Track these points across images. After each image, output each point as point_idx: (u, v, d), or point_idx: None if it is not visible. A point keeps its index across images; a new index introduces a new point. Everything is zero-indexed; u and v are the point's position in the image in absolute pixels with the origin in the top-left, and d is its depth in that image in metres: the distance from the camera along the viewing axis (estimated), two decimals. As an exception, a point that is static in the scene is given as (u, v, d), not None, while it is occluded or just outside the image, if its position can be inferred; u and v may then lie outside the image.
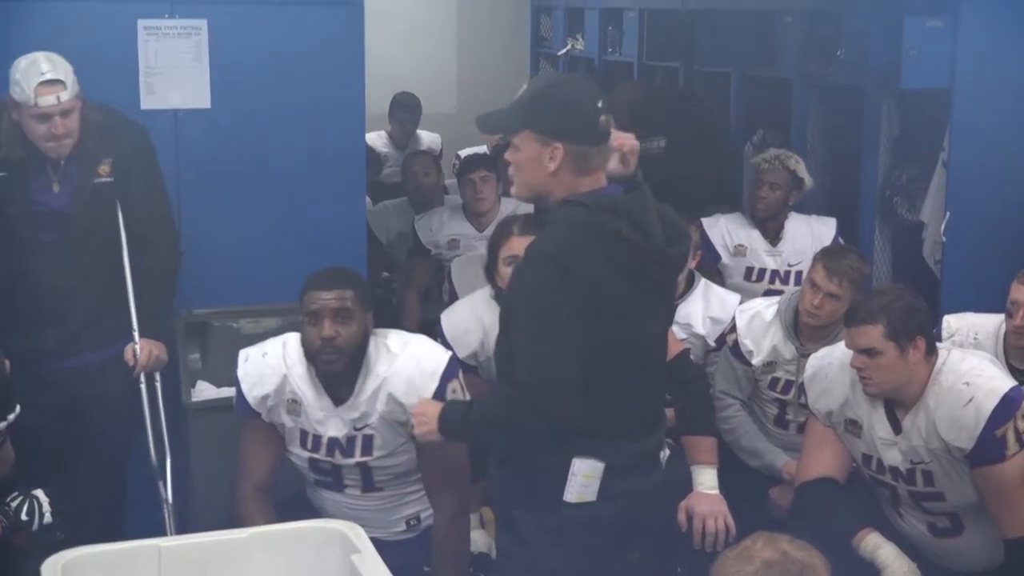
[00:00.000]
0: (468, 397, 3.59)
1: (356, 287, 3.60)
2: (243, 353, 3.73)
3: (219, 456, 3.95)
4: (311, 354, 3.57)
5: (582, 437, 2.99)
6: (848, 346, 3.62)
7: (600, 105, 2.98)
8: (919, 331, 3.58)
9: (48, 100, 3.80)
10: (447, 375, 3.60)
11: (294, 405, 3.63)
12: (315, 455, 3.67)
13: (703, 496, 3.72)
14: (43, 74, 3.79)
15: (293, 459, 3.74)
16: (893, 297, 3.58)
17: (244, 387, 3.66)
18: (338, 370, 3.55)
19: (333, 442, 3.64)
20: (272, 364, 3.65)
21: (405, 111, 7.84)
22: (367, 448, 3.64)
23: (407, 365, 3.59)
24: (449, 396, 3.55)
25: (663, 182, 5.69)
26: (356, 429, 3.62)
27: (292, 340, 3.68)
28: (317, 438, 3.64)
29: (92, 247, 4.04)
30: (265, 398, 3.64)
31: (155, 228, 4.13)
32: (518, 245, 3.82)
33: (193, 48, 4.45)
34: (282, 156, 4.61)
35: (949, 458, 3.58)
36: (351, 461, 3.66)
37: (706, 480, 3.75)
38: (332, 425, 3.62)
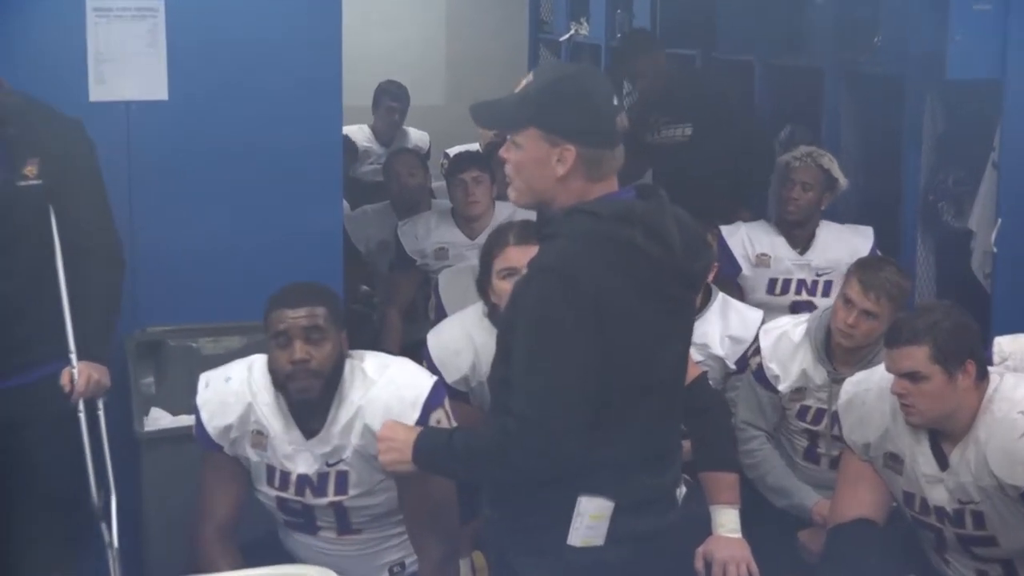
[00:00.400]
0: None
1: (327, 303, 3.59)
2: (203, 378, 3.72)
3: (176, 493, 3.94)
4: (281, 380, 3.56)
5: (589, 472, 2.97)
6: (889, 369, 3.62)
7: (616, 103, 2.98)
8: (969, 354, 3.58)
9: None
10: (430, 404, 3.58)
11: (259, 438, 3.62)
12: (283, 494, 3.66)
13: (723, 540, 3.70)
14: None
15: (260, 497, 3.73)
16: (940, 315, 3.59)
17: (204, 416, 3.66)
18: (312, 397, 3.54)
19: (303, 480, 3.63)
20: (236, 391, 3.65)
21: (392, 100, 7.84)
22: (341, 486, 3.63)
23: (385, 392, 3.58)
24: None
25: (688, 179, 5.74)
26: (328, 465, 3.61)
27: (258, 364, 3.68)
28: (285, 475, 3.64)
29: (20, 258, 3.99)
30: (228, 429, 3.63)
31: (94, 236, 4.07)
32: (514, 256, 3.81)
33: (148, 32, 4.45)
34: (248, 154, 4.61)
35: (1002, 497, 3.58)
36: (324, 501, 3.65)
37: (727, 522, 3.73)
38: (302, 461, 3.62)
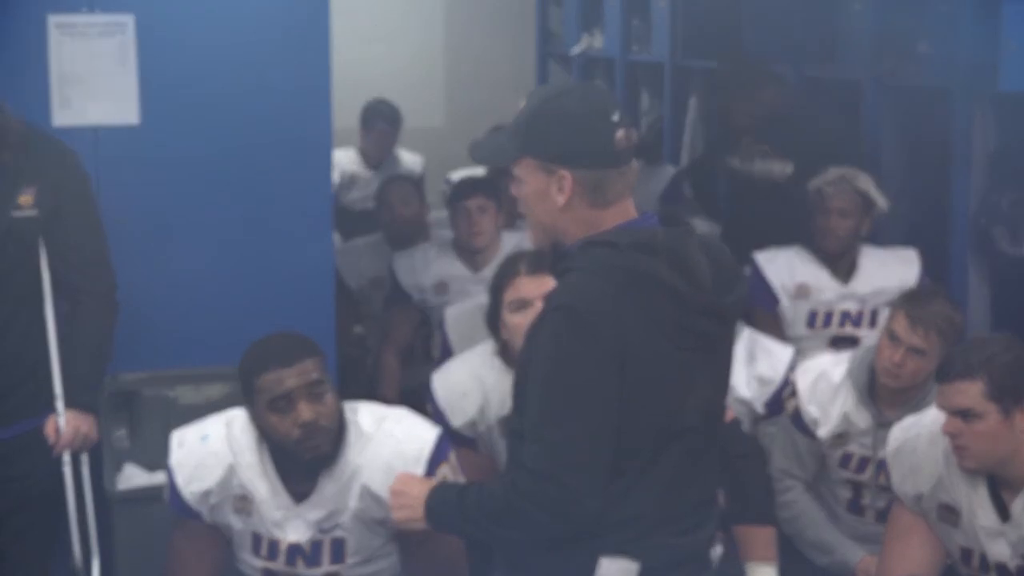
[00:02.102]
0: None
1: (315, 351, 3.57)
2: (176, 437, 3.70)
3: (152, 556, 3.93)
4: (289, 447, 3.52)
5: (610, 531, 2.96)
6: (940, 406, 3.62)
7: (615, 118, 2.96)
8: None
9: None
10: (436, 458, 3.59)
11: (244, 502, 3.61)
12: (271, 564, 3.65)
13: None
14: None
15: (244, 568, 3.71)
16: (997, 349, 3.58)
17: (179, 480, 3.63)
18: (325, 453, 3.52)
19: (294, 549, 3.62)
20: (215, 451, 3.63)
21: (387, 123, 7.85)
22: (337, 555, 3.62)
23: (384, 449, 3.58)
24: None
25: (778, 226, 5.67)
26: (323, 532, 3.61)
27: (238, 420, 3.66)
28: (274, 544, 3.62)
29: (6, 294, 4.05)
30: (207, 494, 3.62)
31: (89, 276, 4.15)
32: (526, 287, 3.81)
33: (117, 50, 4.47)
34: (229, 184, 4.63)
35: (1069, 551, 3.57)
36: (318, 572, 3.64)
37: None
38: (292, 528, 3.61)
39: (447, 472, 3.58)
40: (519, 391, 3.02)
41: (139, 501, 4.12)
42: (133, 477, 4.28)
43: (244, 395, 3.57)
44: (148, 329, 4.47)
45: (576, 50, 9.48)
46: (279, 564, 3.63)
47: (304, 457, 3.53)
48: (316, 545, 3.61)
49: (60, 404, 4.06)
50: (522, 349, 3.08)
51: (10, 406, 4.09)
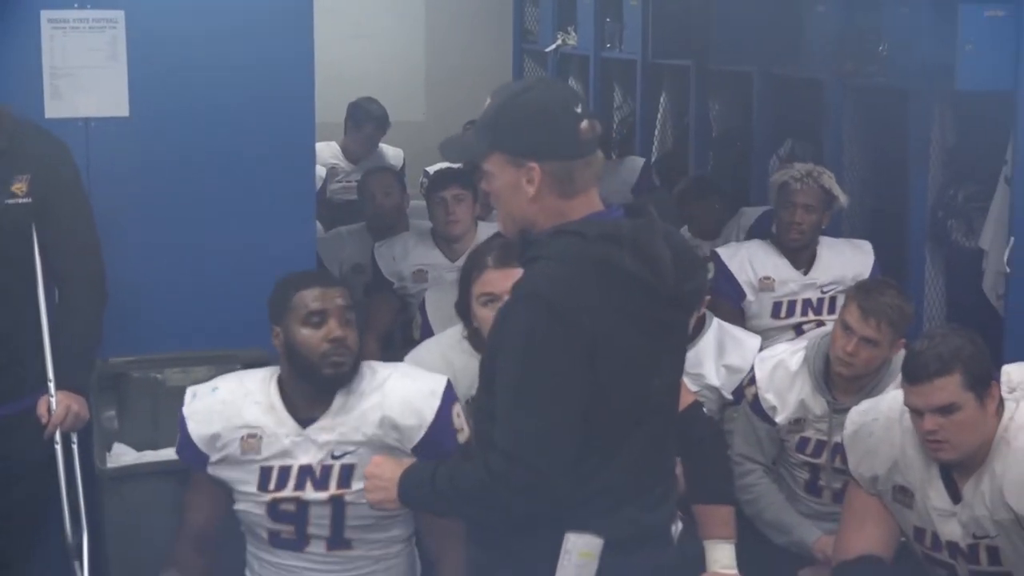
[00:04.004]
0: (467, 428, 3.62)
1: (349, 289, 3.69)
2: (190, 391, 3.76)
3: (139, 532, 3.95)
4: (314, 360, 3.57)
5: (576, 507, 2.98)
6: (919, 407, 3.59)
7: (579, 110, 2.98)
8: (992, 376, 3.61)
9: None
10: (449, 397, 3.66)
11: (252, 441, 3.64)
12: (279, 494, 3.65)
13: None
14: None
15: (247, 508, 3.71)
16: (960, 339, 3.59)
17: (190, 426, 3.67)
18: (345, 373, 3.59)
19: (305, 472, 3.64)
20: (223, 399, 3.68)
21: (374, 125, 7.79)
22: (345, 480, 3.64)
23: (403, 384, 3.66)
24: (454, 420, 3.63)
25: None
26: (334, 457, 3.63)
27: (248, 374, 3.75)
28: (284, 471, 3.64)
29: (0, 280, 4.05)
30: (215, 438, 3.65)
31: (79, 262, 4.15)
32: (494, 280, 3.83)
33: (108, 44, 4.46)
34: (216, 175, 4.62)
35: (1019, 531, 3.59)
36: (323, 495, 3.64)
37: (722, 557, 3.73)
38: (303, 451, 3.63)
39: (460, 411, 3.67)
40: (486, 373, 3.03)
41: (128, 479, 4.11)
42: (122, 456, 4.27)
43: (273, 318, 3.63)
44: (137, 314, 4.46)
45: (551, 47, 9.49)
46: (287, 491, 3.65)
47: (325, 372, 3.58)
48: (326, 469, 3.63)
49: (52, 385, 4.07)
50: (490, 333, 3.10)
51: (3, 386, 4.09)
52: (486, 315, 3.79)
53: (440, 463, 3.26)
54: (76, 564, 4.03)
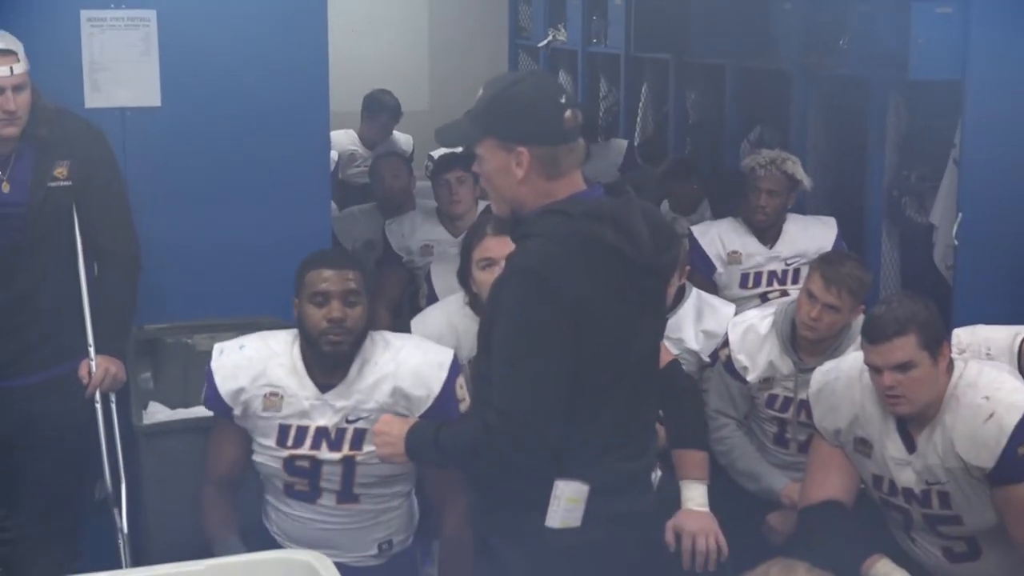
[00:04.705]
0: (469, 398, 3.63)
1: (361, 268, 3.68)
2: (218, 347, 3.75)
3: (173, 482, 3.95)
4: (314, 337, 3.59)
5: (565, 458, 2.99)
6: (878, 364, 3.58)
7: (563, 100, 3.00)
8: (944, 337, 3.61)
9: (1, 71, 3.82)
10: (454, 369, 3.67)
11: (273, 399, 3.64)
12: (295, 451, 3.66)
13: (692, 513, 3.69)
14: None
15: (264, 461, 3.72)
16: (915, 304, 3.58)
17: (217, 380, 3.67)
18: (342, 351, 3.59)
19: (320, 433, 3.64)
20: (249, 356, 3.68)
21: (388, 115, 7.75)
22: (357, 442, 3.64)
23: (413, 357, 3.66)
24: (457, 391, 3.63)
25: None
26: (348, 421, 3.63)
27: (273, 334, 3.74)
28: (302, 430, 3.64)
29: (44, 255, 4.06)
30: (239, 392, 3.64)
31: (115, 239, 4.16)
32: (492, 247, 3.83)
33: (142, 41, 4.45)
34: (239, 158, 4.61)
35: (968, 478, 3.59)
36: (336, 456, 3.65)
37: (695, 496, 3.73)
38: (320, 414, 3.63)
39: (463, 382, 3.68)
40: (484, 339, 3.04)
41: (162, 434, 4.11)
42: (157, 413, 4.27)
43: (295, 291, 3.64)
44: (169, 285, 4.45)
45: (542, 43, 9.45)
46: (304, 449, 3.65)
47: (324, 349, 3.58)
48: (340, 431, 3.64)
49: (92, 350, 4.07)
50: (487, 302, 3.12)
51: (48, 352, 4.09)
52: (485, 278, 3.79)
53: (443, 423, 3.27)
54: (115, 511, 4.06)
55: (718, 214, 5.93)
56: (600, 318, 2.96)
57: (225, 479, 3.77)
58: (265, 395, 3.64)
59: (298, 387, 3.64)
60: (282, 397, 3.64)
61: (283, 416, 3.64)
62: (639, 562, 3.20)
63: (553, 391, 2.92)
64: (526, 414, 2.91)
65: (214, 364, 3.70)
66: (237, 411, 3.67)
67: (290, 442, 3.66)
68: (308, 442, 3.65)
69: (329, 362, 3.62)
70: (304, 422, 3.64)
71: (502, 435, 2.94)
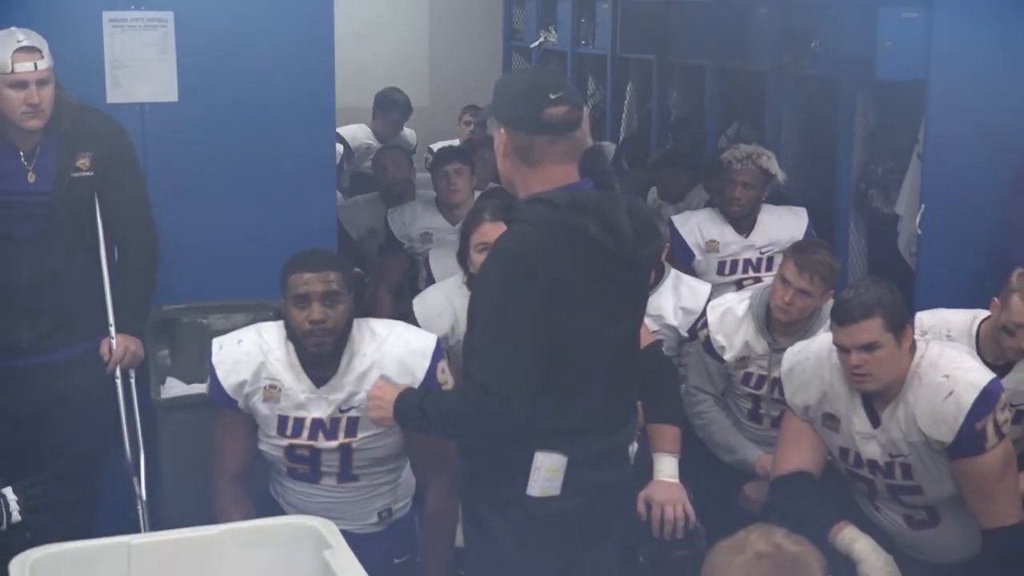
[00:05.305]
0: (451, 380, 3.62)
1: (341, 268, 3.62)
2: (216, 342, 3.72)
3: (189, 452, 3.95)
4: (298, 337, 3.57)
5: (548, 432, 3.01)
6: (846, 345, 3.58)
7: (553, 97, 2.97)
8: (908, 320, 3.61)
9: (25, 66, 3.83)
10: (437, 354, 3.64)
11: (273, 391, 3.62)
12: (295, 440, 3.65)
13: (662, 484, 3.67)
14: (20, 42, 3.84)
15: (267, 449, 3.71)
16: (880, 289, 3.59)
17: (220, 374, 3.64)
18: (326, 351, 3.57)
19: (316, 424, 3.63)
20: (248, 350, 3.65)
21: (399, 112, 7.74)
22: (351, 430, 3.64)
23: (397, 346, 3.62)
24: (439, 376, 3.61)
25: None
26: (341, 411, 3.62)
27: (266, 327, 3.70)
28: (299, 421, 3.63)
29: (67, 242, 4.06)
30: (242, 385, 3.63)
31: (134, 226, 4.15)
32: (489, 231, 3.83)
33: (160, 40, 4.44)
34: (251, 150, 4.60)
35: (928, 451, 3.60)
36: (333, 444, 3.65)
37: (666, 468, 3.70)
38: (315, 407, 3.62)
39: (444, 366, 3.65)
40: (471, 314, 3.05)
41: (179, 408, 4.12)
42: (173, 388, 4.27)
43: (281, 292, 3.61)
44: (185, 269, 4.45)
45: (535, 44, 9.44)
46: (302, 439, 3.64)
47: (308, 348, 3.56)
48: (335, 421, 3.62)
49: (113, 329, 4.07)
50: (475, 280, 3.13)
51: (72, 331, 4.09)
52: (481, 260, 3.79)
53: (429, 391, 3.29)
54: (135, 479, 4.06)
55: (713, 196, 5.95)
56: (578, 303, 2.96)
57: (236, 472, 3.72)
58: (265, 387, 3.63)
59: (295, 381, 3.61)
60: (280, 390, 3.62)
61: (281, 407, 3.63)
62: (615, 528, 3.22)
63: (527, 366, 2.93)
64: (500, 386, 2.92)
65: (215, 359, 3.66)
66: (240, 404, 3.66)
67: (289, 432, 3.65)
68: (306, 432, 3.64)
69: (317, 360, 3.60)
70: (301, 414, 3.63)
71: (479, 405, 2.96)
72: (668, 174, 6.47)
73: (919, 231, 5.21)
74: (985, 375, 3.58)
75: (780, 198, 5.83)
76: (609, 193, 3.03)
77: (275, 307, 4.07)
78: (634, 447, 3.26)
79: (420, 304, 4.19)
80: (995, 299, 4.08)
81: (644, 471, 3.67)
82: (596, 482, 3.07)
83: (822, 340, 3.84)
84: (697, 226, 5.41)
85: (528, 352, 2.92)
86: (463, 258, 4.07)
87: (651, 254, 3.21)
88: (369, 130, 7.74)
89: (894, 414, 3.63)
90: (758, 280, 5.25)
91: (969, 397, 3.52)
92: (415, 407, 3.18)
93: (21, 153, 3.95)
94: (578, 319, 2.97)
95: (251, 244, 4.58)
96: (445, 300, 4.13)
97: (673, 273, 4.66)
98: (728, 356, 4.38)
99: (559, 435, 3.01)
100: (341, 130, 6.92)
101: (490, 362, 2.94)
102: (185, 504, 3.90)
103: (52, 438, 4.11)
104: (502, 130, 3.00)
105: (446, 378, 3.64)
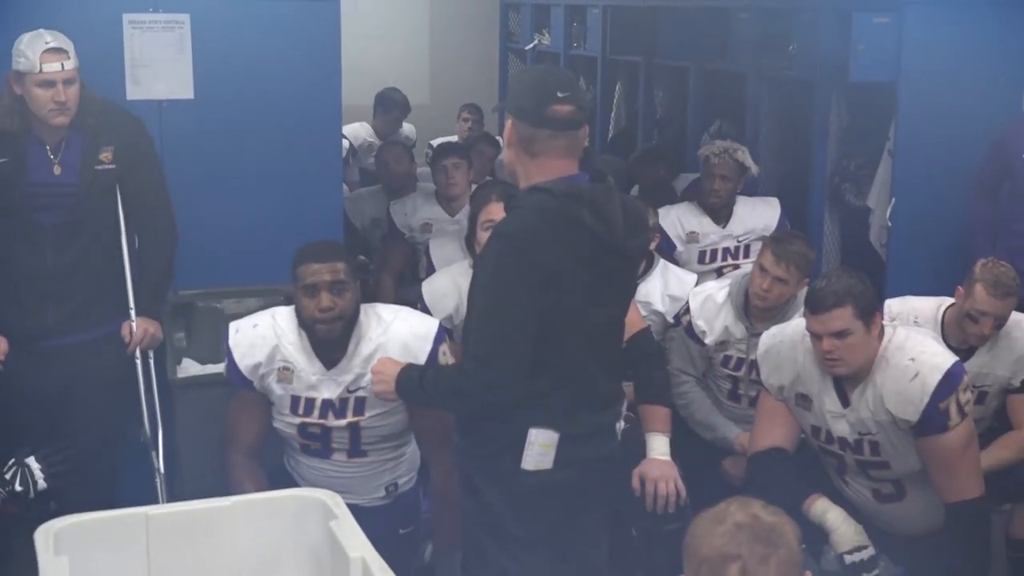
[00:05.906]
0: (452, 362, 3.63)
1: (347, 258, 3.64)
2: (233, 325, 3.72)
3: (204, 429, 3.96)
4: (308, 324, 3.58)
5: (538, 411, 3.03)
6: (818, 332, 3.59)
7: (560, 95, 2.99)
8: (877, 308, 3.62)
9: (53, 67, 3.83)
10: (439, 338, 3.65)
11: (286, 373, 3.63)
12: (307, 419, 3.66)
13: (655, 462, 3.71)
14: (48, 43, 3.85)
15: (281, 427, 3.73)
16: (851, 279, 3.58)
17: (236, 356, 3.65)
18: (335, 336, 3.58)
19: (326, 404, 3.64)
20: (263, 334, 3.66)
21: (399, 111, 7.74)
22: (359, 409, 3.65)
23: (401, 330, 3.63)
24: (440, 358, 3.61)
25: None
26: (349, 391, 3.63)
27: (280, 312, 3.71)
28: (310, 401, 3.64)
29: (91, 230, 4.06)
30: (257, 366, 3.64)
31: (154, 215, 4.16)
32: (495, 211, 3.83)
33: (177, 41, 4.44)
34: (262, 145, 4.61)
35: (895, 429, 3.61)
36: (342, 422, 3.66)
37: (658, 446, 3.74)
38: (326, 388, 3.63)
39: (446, 349, 3.67)
40: (470, 295, 3.07)
41: (194, 387, 4.13)
42: (190, 368, 4.28)
43: (292, 281, 3.62)
44: (201, 256, 4.46)
45: (529, 46, 9.43)
46: (313, 417, 3.65)
47: (319, 335, 3.57)
48: (344, 401, 3.63)
49: (133, 312, 4.08)
50: (475, 262, 3.14)
51: (94, 314, 4.09)
52: (486, 239, 3.81)
53: (429, 366, 3.30)
54: (153, 454, 4.07)
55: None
56: (569, 287, 2.98)
57: (250, 446, 3.74)
58: (279, 369, 3.64)
59: (307, 364, 3.62)
60: (293, 371, 3.63)
61: (294, 388, 3.64)
62: (605, 501, 3.24)
63: (519, 342, 2.95)
64: (495, 360, 2.95)
65: (232, 342, 3.67)
66: (256, 384, 3.67)
67: (301, 411, 3.66)
68: (316, 412, 3.65)
69: (326, 344, 3.61)
70: (311, 394, 3.64)
71: (474, 379, 2.99)
72: (647, 170, 6.48)
73: (889, 223, 5.23)
74: (949, 358, 3.59)
75: (759, 191, 5.85)
76: (604, 186, 3.04)
77: (285, 291, 4.08)
78: (621, 424, 3.27)
79: (428, 287, 4.21)
80: (959, 287, 4.10)
81: (635, 449, 3.69)
82: (586, 456, 3.09)
83: (796, 324, 3.85)
84: (677, 219, 5.42)
85: (522, 328, 2.94)
86: (470, 240, 4.09)
87: (641, 244, 3.22)
88: (370, 128, 7.73)
89: (863, 395, 3.64)
90: (737, 267, 5.27)
91: (933, 379, 3.53)
92: (415, 381, 3.21)
93: (48, 147, 3.96)
94: (567, 301, 2.98)
95: (262, 233, 4.60)
96: (451, 282, 4.14)
97: (661, 263, 4.68)
98: (708, 340, 4.39)
99: (551, 412, 3.03)
100: (343, 128, 6.92)
101: (486, 336, 2.96)
102: (199, 477, 3.91)
103: (77, 413, 4.11)
104: (510, 120, 3.03)
105: (447, 360, 3.65)
